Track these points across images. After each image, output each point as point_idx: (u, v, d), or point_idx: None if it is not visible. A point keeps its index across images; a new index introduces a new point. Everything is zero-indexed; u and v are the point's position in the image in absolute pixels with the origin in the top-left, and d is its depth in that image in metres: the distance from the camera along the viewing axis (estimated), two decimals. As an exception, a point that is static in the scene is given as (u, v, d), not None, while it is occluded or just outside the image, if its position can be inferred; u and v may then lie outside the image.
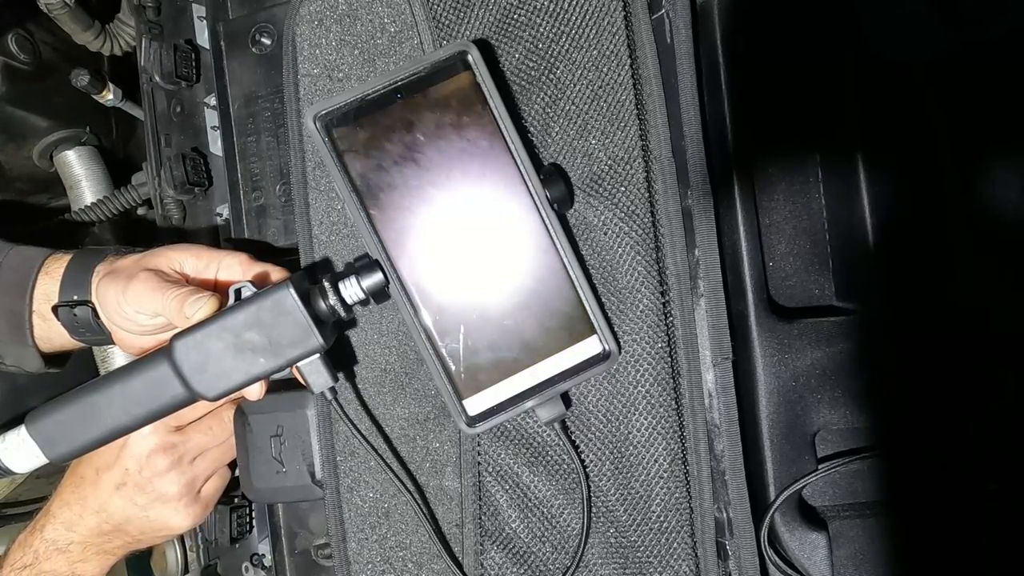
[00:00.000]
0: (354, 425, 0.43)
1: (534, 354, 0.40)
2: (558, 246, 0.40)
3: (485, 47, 0.43)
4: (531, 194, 0.40)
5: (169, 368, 0.39)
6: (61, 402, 0.41)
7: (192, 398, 0.40)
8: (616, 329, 0.42)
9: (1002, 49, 0.43)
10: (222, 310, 0.40)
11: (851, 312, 0.44)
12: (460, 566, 0.44)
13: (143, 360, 0.40)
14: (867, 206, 0.44)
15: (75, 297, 0.46)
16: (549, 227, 0.40)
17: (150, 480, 0.47)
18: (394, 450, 0.46)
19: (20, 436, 0.41)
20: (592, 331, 0.41)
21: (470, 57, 0.39)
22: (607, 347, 0.41)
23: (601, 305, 0.41)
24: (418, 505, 0.43)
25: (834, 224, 0.45)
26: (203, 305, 0.40)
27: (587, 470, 0.43)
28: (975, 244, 0.44)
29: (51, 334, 0.48)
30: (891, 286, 0.44)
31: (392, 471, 0.43)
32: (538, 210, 0.40)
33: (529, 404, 0.40)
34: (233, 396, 0.42)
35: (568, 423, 0.43)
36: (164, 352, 0.39)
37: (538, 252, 0.40)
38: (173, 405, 0.40)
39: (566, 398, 0.42)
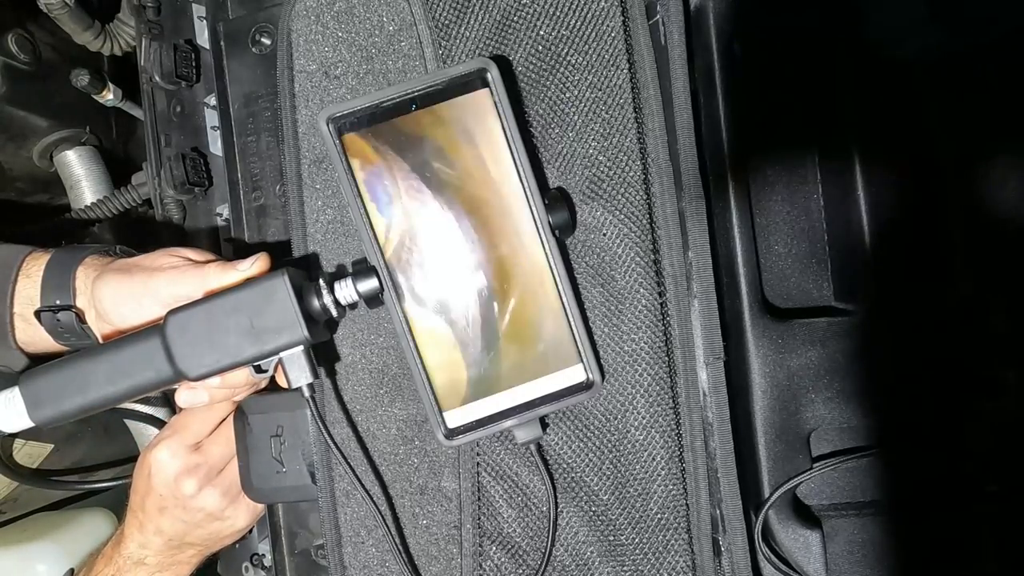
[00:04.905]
0: (327, 429, 0.42)
1: (518, 375, 0.40)
2: (554, 272, 0.40)
3: (504, 65, 0.43)
4: (534, 218, 0.39)
5: (159, 342, 0.39)
6: (56, 365, 0.40)
7: (175, 377, 0.40)
8: (615, 328, 0.42)
9: (1001, 50, 0.43)
10: (218, 292, 0.40)
11: (849, 313, 0.44)
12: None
13: (139, 332, 0.40)
14: (866, 207, 0.44)
15: (57, 301, 0.46)
16: (548, 253, 0.39)
17: (187, 502, 0.47)
18: (391, 451, 0.46)
19: (12, 395, 0.41)
20: (578, 359, 0.40)
21: (489, 75, 0.38)
22: (591, 376, 0.40)
23: (590, 334, 0.41)
24: (383, 520, 0.43)
25: (833, 225, 0.45)
26: (258, 257, 0.41)
27: (585, 468, 0.43)
28: (974, 244, 0.44)
29: (35, 338, 0.47)
30: (890, 286, 0.44)
31: (362, 484, 0.42)
32: (539, 235, 0.39)
33: (508, 424, 0.40)
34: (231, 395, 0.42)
35: (568, 421, 0.43)
36: (159, 326, 0.39)
37: (534, 276, 0.40)
38: (158, 382, 0.40)
39: (543, 422, 0.42)
